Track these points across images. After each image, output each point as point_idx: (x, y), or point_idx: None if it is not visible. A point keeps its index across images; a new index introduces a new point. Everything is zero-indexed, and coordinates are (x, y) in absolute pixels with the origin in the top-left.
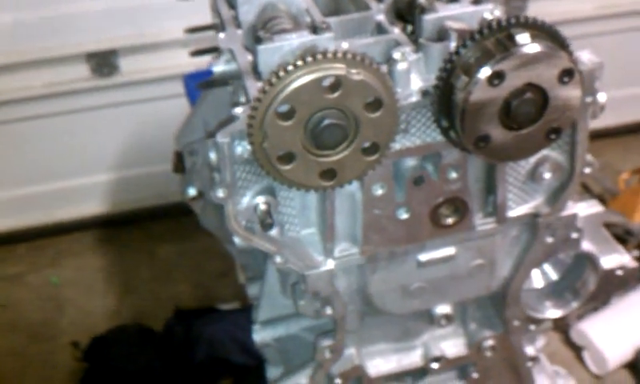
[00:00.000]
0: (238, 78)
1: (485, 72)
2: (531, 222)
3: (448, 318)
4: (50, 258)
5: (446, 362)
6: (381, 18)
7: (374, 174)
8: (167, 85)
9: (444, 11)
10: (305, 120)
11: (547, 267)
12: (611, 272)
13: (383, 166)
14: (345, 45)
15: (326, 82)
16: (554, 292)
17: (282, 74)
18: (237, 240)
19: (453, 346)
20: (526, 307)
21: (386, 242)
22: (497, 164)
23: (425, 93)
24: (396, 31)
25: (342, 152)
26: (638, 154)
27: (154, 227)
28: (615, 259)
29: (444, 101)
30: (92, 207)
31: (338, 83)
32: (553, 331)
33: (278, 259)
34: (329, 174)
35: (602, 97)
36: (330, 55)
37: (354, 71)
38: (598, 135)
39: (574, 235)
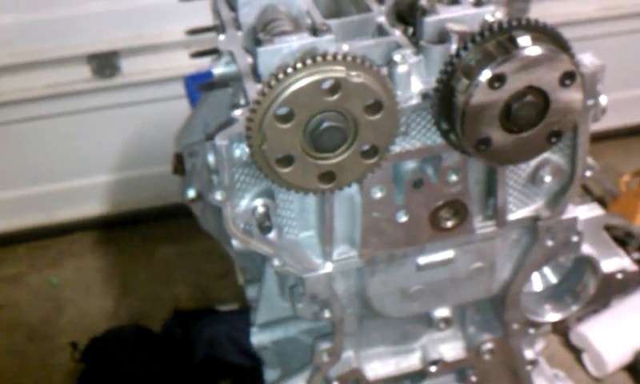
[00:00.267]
0: (238, 79)
1: (486, 75)
2: (531, 225)
3: (447, 322)
4: (50, 258)
5: (445, 366)
6: (382, 19)
7: (373, 176)
8: (168, 86)
9: (445, 13)
10: (304, 123)
11: (547, 270)
12: (611, 275)
13: (383, 169)
14: (345, 47)
15: (326, 85)
16: (554, 295)
17: (281, 76)
18: (235, 243)
19: (451, 349)
20: (526, 310)
21: (385, 244)
22: (497, 167)
23: (425, 95)
24: (397, 33)
25: (341, 155)
26: (638, 156)
27: (153, 228)
28: (615, 263)
29: (444, 103)
30: (92, 208)
31: (337, 86)
32: (552, 333)
33: (276, 262)
34: (328, 176)
35: (603, 100)
36: (329, 57)
37: (353, 74)
38: (598, 137)
39: (575, 239)
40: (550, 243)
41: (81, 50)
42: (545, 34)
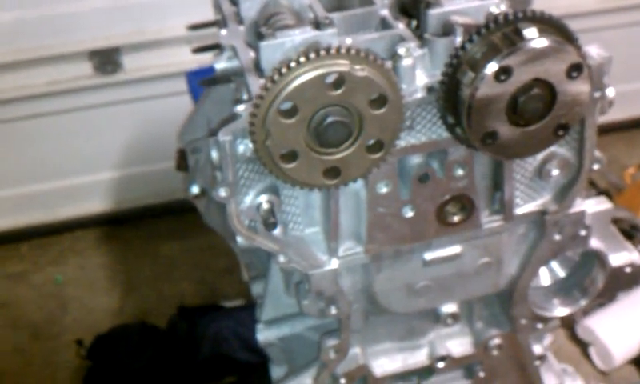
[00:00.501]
0: (241, 75)
1: (491, 67)
2: (539, 219)
3: (454, 317)
4: (53, 256)
5: (452, 361)
6: (385, 13)
7: (378, 171)
8: (170, 82)
9: (449, 5)
10: (308, 117)
11: (555, 265)
12: (620, 269)
13: (388, 164)
14: (348, 40)
15: (330, 79)
16: (562, 290)
17: (284, 70)
18: (239, 239)
19: (459, 344)
20: (534, 305)
21: (391, 240)
22: (504, 161)
23: (430, 89)
24: (400, 26)
25: (346, 150)
26: None
27: (157, 225)
28: (624, 257)
29: (450, 97)
30: (95, 205)
31: (341, 80)
32: (559, 327)
33: (282, 259)
34: (333, 172)
35: (610, 92)
36: (333, 51)
37: (357, 67)
38: (604, 130)
39: (582, 232)
40: (557, 237)
41: (82, 46)
42: (551, 25)
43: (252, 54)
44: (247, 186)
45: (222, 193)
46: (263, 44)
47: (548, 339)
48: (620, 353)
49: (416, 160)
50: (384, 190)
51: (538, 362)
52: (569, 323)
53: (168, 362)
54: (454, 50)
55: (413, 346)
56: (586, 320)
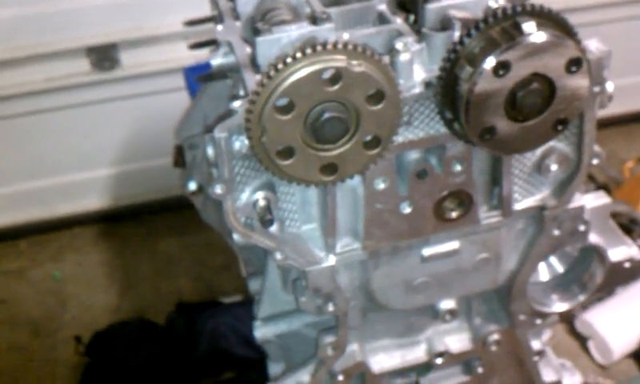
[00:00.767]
0: (237, 70)
1: (490, 62)
2: (537, 214)
3: (452, 313)
4: (51, 253)
5: (451, 357)
6: (382, 7)
7: (376, 167)
8: (168, 78)
9: (447, 0)
10: (304, 114)
11: (553, 260)
12: (619, 264)
13: (385, 160)
14: (345, 35)
15: (326, 75)
16: (561, 285)
17: (280, 66)
18: (236, 237)
19: (457, 340)
20: (532, 301)
21: (389, 236)
22: (502, 156)
23: (428, 84)
24: (398, 21)
25: (342, 146)
26: None
27: (155, 221)
28: (623, 251)
29: (448, 92)
30: (93, 202)
31: (338, 75)
32: (557, 323)
33: (278, 256)
34: (329, 168)
35: (609, 86)
36: (329, 47)
37: (354, 63)
38: (602, 124)
39: (581, 228)
40: (556, 233)
41: (80, 42)
42: (550, 19)
43: (248, 49)
44: (243, 183)
45: (218, 190)
46: (259, 39)
47: (547, 334)
48: (619, 347)
49: (414, 156)
50: (381, 186)
51: (536, 358)
52: (568, 317)
53: (166, 358)
54: (452, 44)
55: (411, 343)
56: (584, 314)
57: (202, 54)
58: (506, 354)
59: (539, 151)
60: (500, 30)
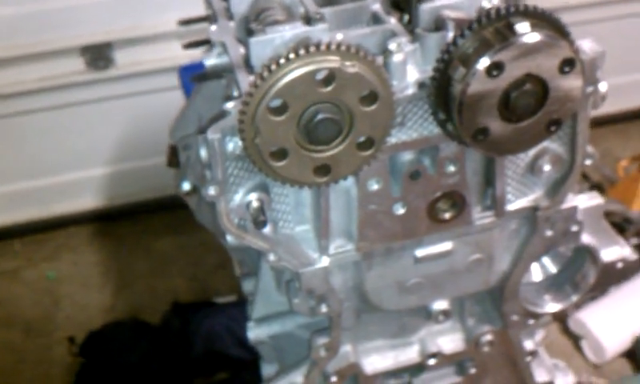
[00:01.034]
0: (231, 71)
1: (483, 63)
2: (530, 215)
3: (445, 314)
4: (46, 252)
5: (444, 358)
6: (376, 7)
7: (369, 168)
8: (163, 77)
9: (441, 0)
10: (298, 115)
11: (546, 260)
12: (611, 265)
13: (379, 161)
14: (339, 36)
15: (320, 76)
16: (554, 285)
17: (273, 67)
18: (229, 238)
19: (450, 341)
20: (525, 301)
21: (382, 237)
22: (495, 157)
23: (421, 85)
24: (392, 21)
25: (336, 147)
26: (637, 141)
27: (150, 221)
28: (616, 252)
29: (441, 93)
30: (88, 201)
31: (331, 76)
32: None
33: (272, 257)
34: (323, 169)
35: (603, 86)
36: (323, 47)
37: (348, 64)
38: (596, 122)
39: (574, 228)
40: (549, 233)
41: (74, 41)
42: (543, 20)
43: (242, 50)
44: (237, 184)
45: (212, 191)
46: (253, 40)
47: (539, 335)
48: (612, 346)
49: (407, 157)
50: (375, 187)
51: (529, 358)
52: (561, 317)
53: (161, 358)
54: (446, 45)
55: (404, 343)
56: (578, 313)
57: (196, 54)
58: (499, 355)
59: (532, 152)
60: (493, 30)
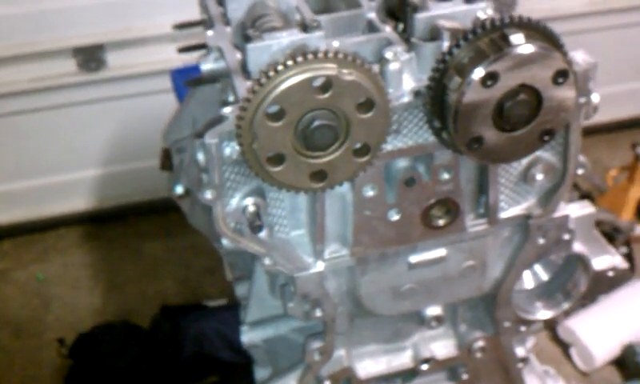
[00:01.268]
0: (227, 76)
1: (478, 73)
2: (523, 223)
3: (438, 320)
4: (36, 254)
5: (436, 364)
6: (372, 15)
7: (364, 175)
8: (155, 80)
9: (436, 10)
10: (295, 121)
11: (538, 268)
12: (602, 273)
13: (374, 167)
14: (335, 43)
15: (317, 83)
16: (545, 293)
17: (271, 73)
18: (225, 242)
19: (443, 347)
20: (517, 308)
21: (377, 243)
22: (489, 165)
23: (417, 93)
24: (387, 29)
25: (332, 153)
26: (626, 150)
27: (140, 223)
28: (606, 260)
29: (436, 102)
30: (78, 203)
31: (329, 83)
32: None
33: (267, 261)
34: (319, 175)
35: (595, 97)
36: (321, 55)
37: (345, 71)
38: (586, 132)
39: (566, 236)
40: (541, 241)
41: (66, 43)
42: (538, 31)
43: (238, 55)
44: (233, 189)
45: (208, 195)
46: (250, 46)
47: (531, 342)
48: (601, 353)
49: (402, 164)
50: (370, 193)
51: (520, 364)
52: (550, 324)
53: (151, 361)
54: (441, 54)
55: (397, 348)
56: (567, 321)
57: (189, 57)
58: (491, 361)
59: (525, 161)
60: (488, 41)
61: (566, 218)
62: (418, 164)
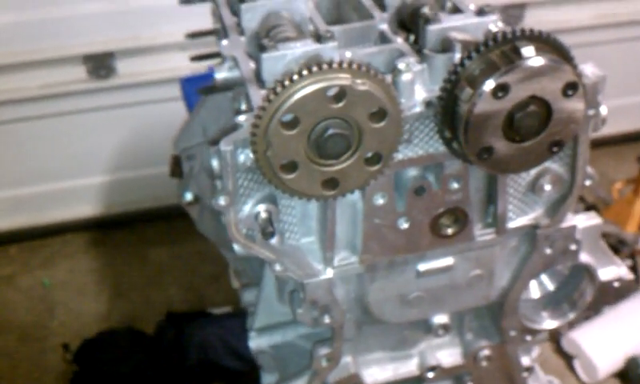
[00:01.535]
0: (240, 84)
1: (489, 84)
2: (530, 233)
3: (445, 328)
4: (42, 259)
5: (442, 372)
6: (384, 27)
7: (375, 183)
8: (163, 88)
9: (448, 22)
10: (309, 129)
11: (544, 278)
12: (608, 284)
13: (385, 176)
14: (348, 54)
15: (331, 92)
16: (551, 303)
17: (287, 83)
18: (237, 247)
19: (449, 355)
20: (523, 318)
21: (386, 251)
22: (498, 175)
23: (429, 104)
24: (399, 41)
25: (344, 162)
26: (631, 163)
27: (146, 230)
28: (612, 271)
29: (448, 112)
30: (85, 209)
31: (342, 93)
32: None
33: (278, 267)
34: (331, 183)
35: (603, 110)
36: (335, 65)
37: (359, 81)
38: (592, 144)
39: (573, 247)
40: (548, 251)
41: (76, 50)
42: (548, 44)
43: (252, 64)
44: (246, 195)
45: (222, 201)
46: (265, 55)
47: (536, 351)
48: (604, 366)
49: (412, 173)
50: (380, 201)
51: (525, 374)
52: (554, 336)
53: (155, 367)
54: (453, 66)
55: (404, 356)
56: (571, 333)
57: (197, 65)
58: (496, 370)
59: (534, 171)
60: (500, 53)
61: (573, 228)
62: (427, 173)
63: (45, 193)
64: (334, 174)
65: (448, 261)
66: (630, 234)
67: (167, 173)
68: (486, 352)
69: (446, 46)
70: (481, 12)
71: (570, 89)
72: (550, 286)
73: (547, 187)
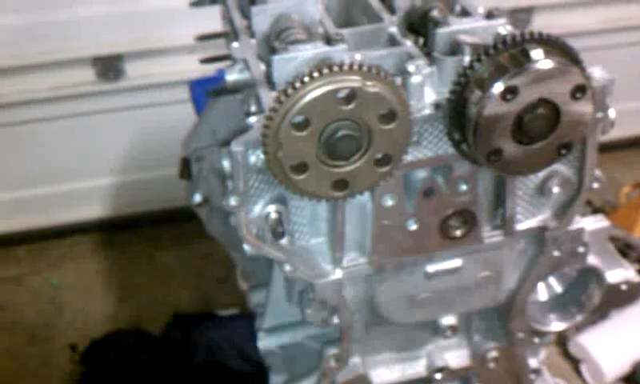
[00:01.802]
0: (251, 86)
1: (498, 87)
2: (538, 235)
3: (453, 329)
4: (50, 260)
5: (450, 373)
6: (393, 30)
7: (385, 185)
8: (172, 90)
9: (457, 25)
10: (319, 131)
11: (552, 280)
12: (616, 286)
13: (394, 178)
14: (358, 56)
15: (342, 94)
16: (559, 305)
17: (297, 84)
18: (247, 248)
19: (456, 356)
20: (531, 319)
21: (395, 252)
22: (507, 177)
23: (438, 106)
24: (408, 43)
25: (354, 163)
26: (639, 167)
27: (154, 232)
28: (620, 274)
29: (457, 114)
30: (93, 211)
31: (353, 95)
32: (554, 342)
33: (288, 268)
34: (341, 184)
35: (612, 113)
36: (345, 67)
37: (369, 83)
38: (599, 148)
39: (581, 249)
40: (556, 253)
41: (85, 52)
42: (557, 47)
43: (263, 67)
44: (257, 196)
45: (233, 202)
46: (276, 58)
47: (543, 353)
48: (611, 370)
49: (421, 174)
50: (390, 202)
51: (533, 376)
52: (561, 340)
53: (162, 369)
54: (462, 68)
55: (411, 357)
56: (577, 337)
57: (206, 67)
58: (504, 371)
59: (542, 174)
60: (509, 56)
61: (581, 230)
62: (436, 175)
63: (53, 194)
64: (344, 175)
65: (456, 262)
66: (637, 239)
67: (176, 175)
68: (494, 354)
69: (455, 49)
70: (490, 15)
71: (579, 91)
72: (558, 288)
73: (555, 189)
